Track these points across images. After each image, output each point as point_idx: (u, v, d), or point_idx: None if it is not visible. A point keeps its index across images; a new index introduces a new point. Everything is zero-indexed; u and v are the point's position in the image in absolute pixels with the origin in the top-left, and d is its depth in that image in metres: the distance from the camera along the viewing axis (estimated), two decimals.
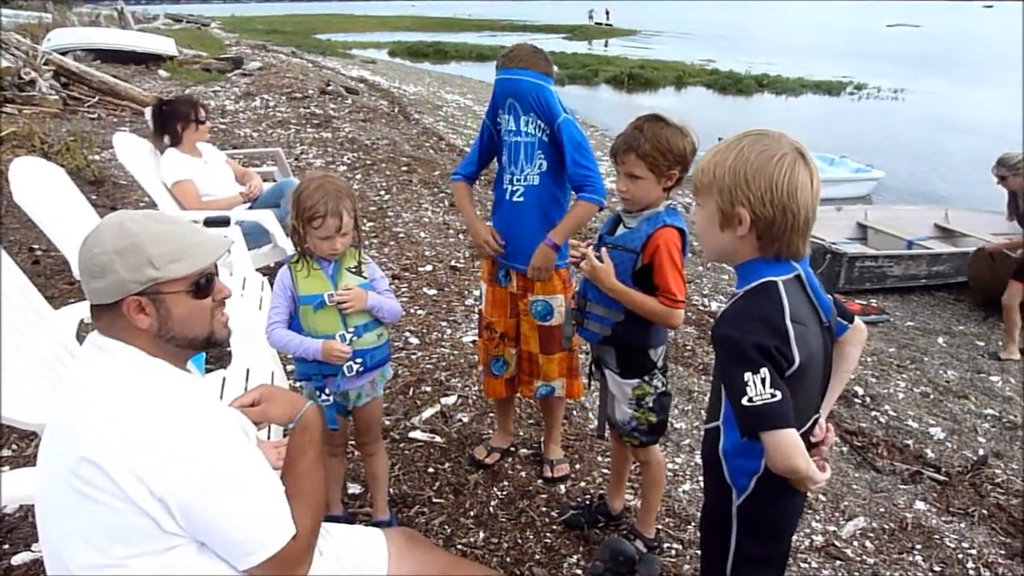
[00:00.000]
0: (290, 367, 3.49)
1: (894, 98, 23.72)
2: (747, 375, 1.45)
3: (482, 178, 3.44)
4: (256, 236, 4.53)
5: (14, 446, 3.22)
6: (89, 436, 1.35)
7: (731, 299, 1.63)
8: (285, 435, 1.73)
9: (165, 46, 16.16)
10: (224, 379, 2.94)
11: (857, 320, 1.78)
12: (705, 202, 1.60)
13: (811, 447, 1.69)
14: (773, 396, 1.44)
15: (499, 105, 2.87)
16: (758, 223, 1.53)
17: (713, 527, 1.79)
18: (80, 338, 2.99)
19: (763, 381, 1.44)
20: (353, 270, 2.43)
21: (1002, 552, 3.21)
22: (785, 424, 1.45)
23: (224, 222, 4.37)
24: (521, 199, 2.87)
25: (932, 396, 4.96)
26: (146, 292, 1.46)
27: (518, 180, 2.86)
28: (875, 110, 21.53)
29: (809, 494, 3.37)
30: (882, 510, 3.39)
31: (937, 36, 61.14)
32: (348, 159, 8.90)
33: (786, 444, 1.45)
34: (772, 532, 1.75)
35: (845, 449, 3.94)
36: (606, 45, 44.16)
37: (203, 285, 1.54)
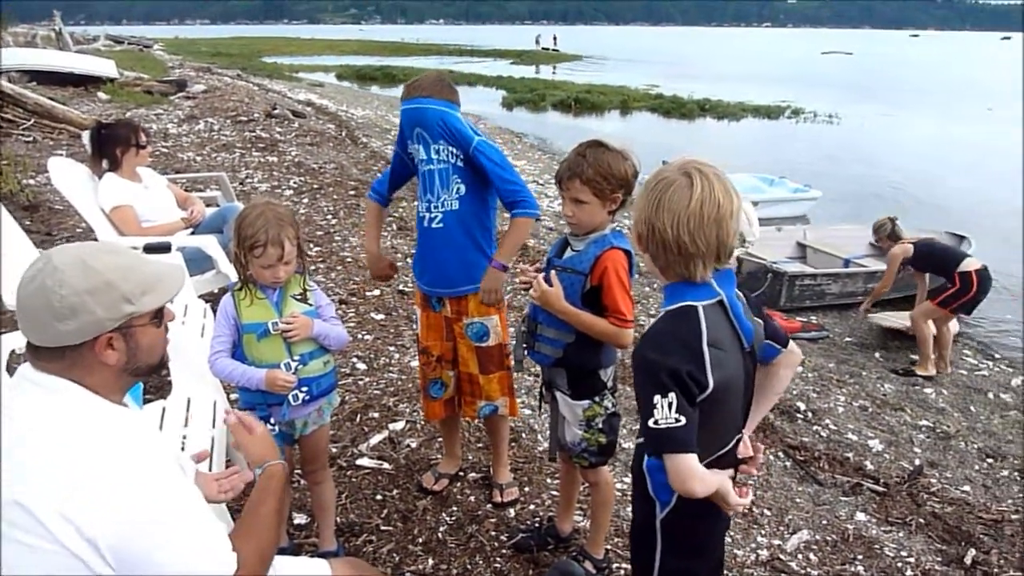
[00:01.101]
0: (234, 396, 3.43)
1: (829, 122, 24.53)
2: (656, 397, 1.50)
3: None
4: (198, 262, 4.45)
5: None
6: (16, 477, 1.31)
7: (655, 320, 1.68)
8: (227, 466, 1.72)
9: (105, 68, 15.85)
10: (164, 409, 2.87)
11: (792, 344, 1.83)
12: None
13: (738, 463, 1.74)
14: (677, 421, 1.49)
15: (407, 135, 2.86)
16: (641, 241, 1.63)
17: (639, 542, 1.83)
18: (10, 370, 2.89)
19: (670, 405, 1.49)
20: (298, 297, 2.40)
21: (939, 559, 3.31)
22: (684, 449, 1.51)
23: (165, 248, 4.28)
24: (440, 225, 2.86)
25: (870, 409, 5.11)
26: (119, 327, 1.45)
27: (436, 207, 2.85)
28: (811, 133, 22.24)
29: (754, 509, 3.44)
30: (825, 522, 3.47)
31: (868, 63, 63.61)
32: (294, 183, 8.82)
33: (683, 468, 1.51)
34: (696, 547, 1.79)
35: (788, 464, 4.03)
36: (554, 71, 44.76)
37: (161, 312, 1.55)
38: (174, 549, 1.37)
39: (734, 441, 1.72)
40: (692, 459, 1.51)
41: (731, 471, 1.70)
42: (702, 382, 1.53)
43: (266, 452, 1.80)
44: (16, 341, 3.07)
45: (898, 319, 6.58)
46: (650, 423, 1.51)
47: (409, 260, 6.23)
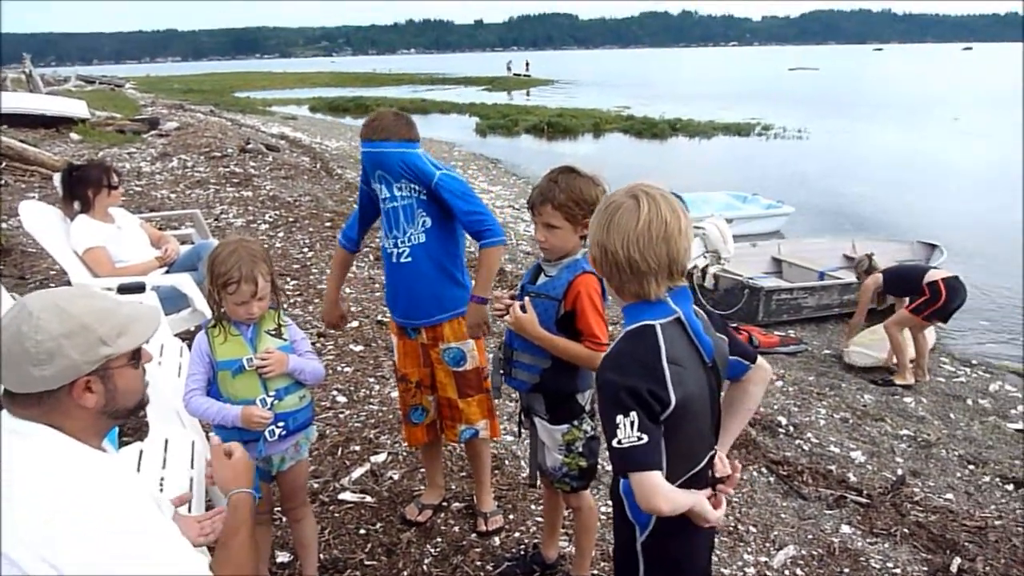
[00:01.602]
0: (211, 434, 3.39)
1: (798, 137, 24.94)
2: (619, 418, 1.52)
3: None
4: (174, 300, 4.41)
5: None
6: (4, 531, 1.29)
7: (614, 341, 1.70)
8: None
9: (76, 108, 15.77)
10: (141, 451, 2.83)
11: (760, 360, 1.85)
12: None
13: (715, 482, 1.74)
14: (640, 439, 1.50)
15: (370, 175, 2.90)
16: (595, 263, 1.68)
17: (622, 566, 1.83)
18: None
19: (631, 424, 1.51)
20: (272, 332, 2.39)
21: (924, 569, 3.32)
22: (649, 467, 1.52)
23: (139, 288, 4.25)
24: (409, 259, 2.87)
25: (851, 421, 5.15)
26: (96, 370, 1.45)
27: (402, 242, 2.87)
28: (782, 149, 22.59)
29: (739, 526, 3.44)
30: (810, 537, 3.47)
31: (834, 78, 64.82)
32: (270, 217, 8.79)
33: (648, 486, 1.52)
34: (679, 567, 1.79)
35: (772, 479, 4.04)
36: (528, 95, 45.22)
37: (139, 353, 1.55)
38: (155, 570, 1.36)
39: (706, 459, 1.72)
40: (656, 476, 1.53)
41: (708, 491, 1.71)
42: (664, 399, 1.54)
43: (236, 479, 1.77)
44: None
45: (876, 352, 6.59)
46: (613, 443, 1.52)
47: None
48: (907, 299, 6.38)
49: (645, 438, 1.50)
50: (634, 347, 1.60)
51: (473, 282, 2.89)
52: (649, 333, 1.59)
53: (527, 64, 67.95)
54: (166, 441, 2.91)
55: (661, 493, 1.53)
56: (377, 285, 6.44)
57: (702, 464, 1.71)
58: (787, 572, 3.17)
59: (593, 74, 75.98)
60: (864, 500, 3.89)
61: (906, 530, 3.64)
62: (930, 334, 6.70)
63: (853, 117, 30.51)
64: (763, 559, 3.24)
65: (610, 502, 3.43)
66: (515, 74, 63.88)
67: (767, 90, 47.57)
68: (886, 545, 3.50)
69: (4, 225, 7.50)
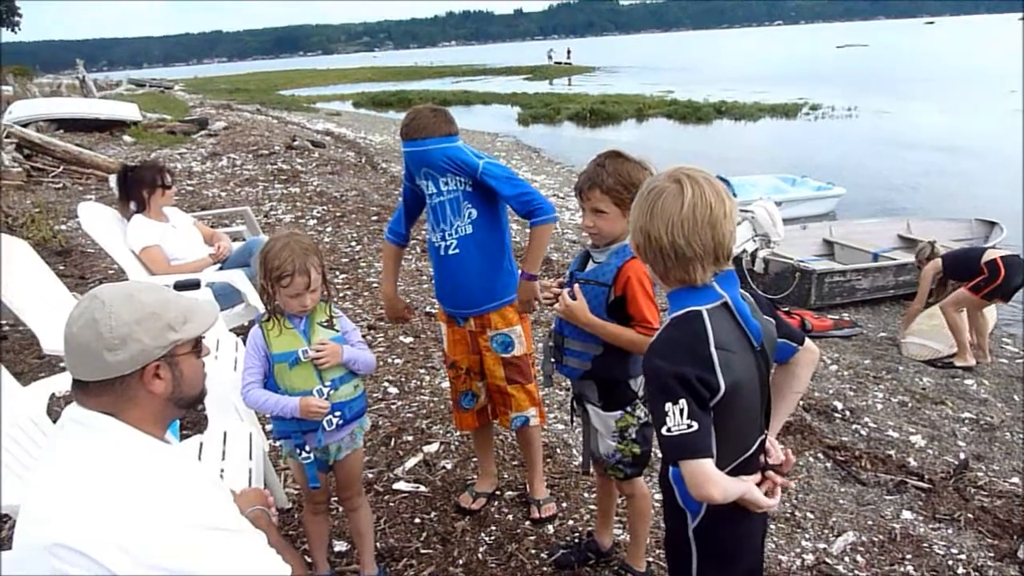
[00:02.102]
0: (268, 426, 3.46)
1: (848, 116, 24.31)
2: (668, 405, 1.50)
3: None
4: (228, 296, 4.51)
5: None
6: (66, 519, 1.33)
7: (661, 328, 1.67)
8: None
9: (128, 112, 16.21)
10: (201, 444, 2.91)
11: (808, 342, 1.81)
12: None
13: (767, 469, 1.72)
14: (690, 427, 1.48)
15: (414, 174, 2.92)
16: (639, 250, 1.65)
17: (674, 553, 1.82)
18: (51, 413, 2.95)
19: (681, 412, 1.49)
20: (325, 324, 2.43)
21: (991, 555, 3.23)
22: (700, 454, 1.50)
23: (194, 285, 4.35)
24: (457, 251, 2.89)
25: (910, 404, 5.02)
26: (165, 356, 1.52)
27: (450, 235, 2.89)
28: (831, 129, 22.05)
29: (796, 512, 3.39)
30: (870, 523, 3.40)
31: (884, 54, 62.99)
32: (318, 212, 8.92)
33: (699, 474, 1.50)
34: (731, 553, 1.76)
35: (829, 465, 3.96)
36: (569, 83, 44.96)
37: (200, 343, 1.62)
38: (234, 559, 1.41)
39: (756, 443, 1.70)
40: (708, 464, 1.51)
41: (758, 476, 1.68)
42: (713, 385, 1.52)
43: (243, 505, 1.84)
44: (56, 385, 3.14)
45: (936, 344, 6.37)
46: (663, 431, 1.50)
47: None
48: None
49: (695, 425, 1.48)
50: (681, 333, 1.58)
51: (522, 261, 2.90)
52: (696, 319, 1.57)
53: (568, 52, 67.48)
54: (224, 434, 2.98)
55: (712, 480, 1.51)
56: (425, 277, 6.49)
57: (752, 449, 1.68)
58: (847, 559, 3.12)
59: (635, 59, 75.10)
60: (926, 485, 3.79)
61: (970, 515, 3.54)
62: (990, 314, 6.48)
63: (905, 94, 29.60)
64: (822, 546, 3.18)
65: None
66: (556, 62, 63.51)
67: (814, 69, 46.46)
68: (950, 531, 3.41)
69: (63, 227, 7.76)
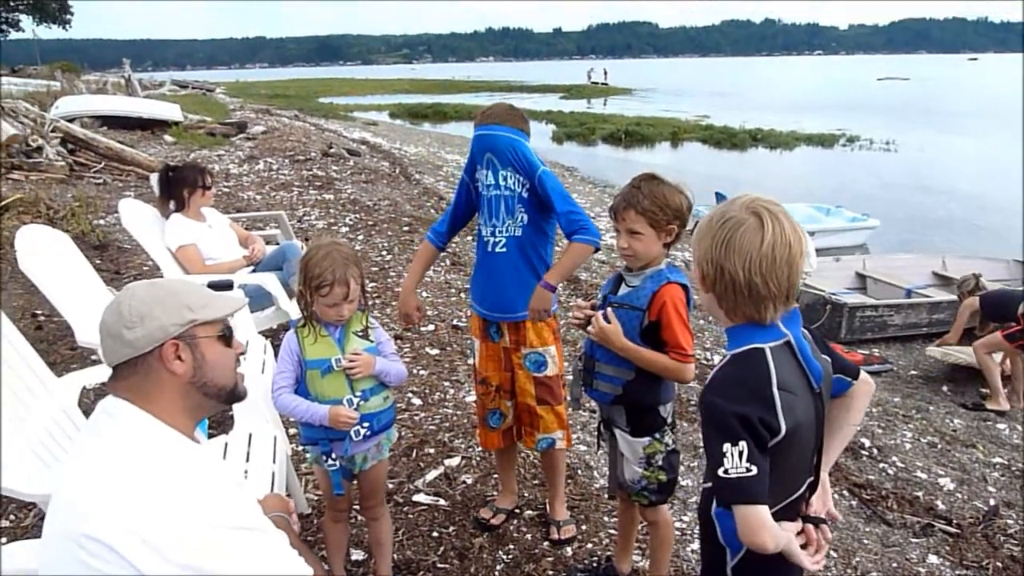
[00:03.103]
0: (293, 431, 3.48)
1: (886, 149, 24.07)
2: (726, 446, 1.45)
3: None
4: (259, 299, 4.56)
5: (12, 516, 3.18)
6: (93, 511, 1.34)
7: (720, 361, 1.63)
8: None
9: (171, 112, 16.52)
10: (226, 444, 2.93)
11: (863, 374, 1.78)
12: None
13: (810, 520, 1.67)
14: (748, 471, 1.44)
15: (477, 161, 2.94)
16: (706, 282, 1.58)
17: None
18: (82, 405, 2.99)
19: (740, 454, 1.44)
20: (360, 334, 2.44)
21: None
22: (755, 500, 1.45)
23: (228, 286, 4.40)
24: (504, 250, 2.91)
25: (939, 446, 4.92)
26: (183, 336, 1.54)
27: (500, 232, 2.91)
28: (868, 161, 21.83)
29: None
30: (895, 565, 3.33)
31: (926, 88, 62.34)
32: (350, 220, 9.00)
33: (753, 520, 1.46)
34: None
35: (854, 503, 3.89)
36: (605, 103, 45.07)
37: (228, 334, 1.64)
38: (259, 559, 1.43)
39: (805, 485, 1.66)
40: (763, 511, 1.46)
41: (799, 524, 1.64)
42: (774, 427, 1.47)
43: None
44: (88, 378, 3.19)
45: (965, 354, 6.36)
46: (720, 472, 1.46)
47: (463, 295, 6.28)
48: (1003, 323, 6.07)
49: (755, 470, 1.44)
50: (744, 372, 1.53)
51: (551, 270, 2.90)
52: (759, 357, 1.53)
53: (605, 72, 67.77)
54: (250, 435, 3.00)
55: (768, 528, 1.46)
56: (453, 290, 6.51)
57: (801, 490, 1.65)
58: None
59: (672, 83, 75.11)
60: (953, 530, 3.70)
61: (999, 564, 3.45)
62: None
63: (946, 129, 29.26)
64: None
65: (684, 517, 3.38)
66: (594, 82, 63.79)
67: (853, 100, 46.11)
68: None
69: (102, 222, 7.91)
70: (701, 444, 4.20)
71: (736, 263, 1.50)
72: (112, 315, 1.52)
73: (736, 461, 1.44)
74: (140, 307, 1.50)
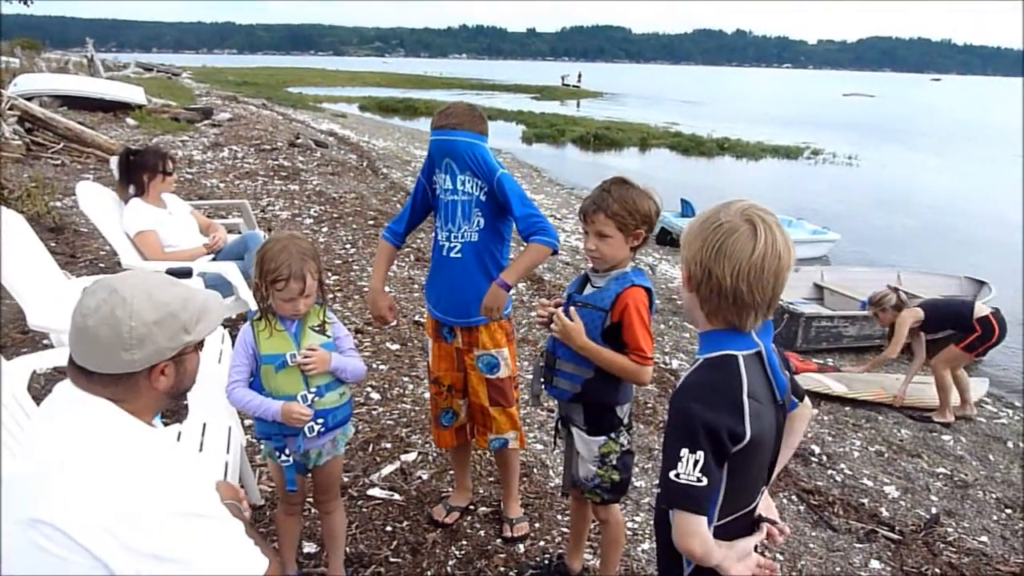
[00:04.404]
0: (248, 422, 3.45)
1: (848, 164, 24.55)
2: (684, 451, 1.46)
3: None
4: (219, 288, 4.49)
5: None
6: (51, 498, 1.33)
7: (692, 365, 1.63)
8: None
9: (134, 95, 16.17)
10: (180, 433, 2.90)
11: (806, 399, 1.82)
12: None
13: (760, 520, 1.69)
14: (699, 480, 1.45)
15: (436, 164, 2.91)
16: (692, 284, 1.57)
17: None
18: (31, 390, 2.93)
19: (695, 464, 1.45)
20: (317, 329, 2.42)
21: None
22: (698, 510, 1.47)
23: (187, 273, 4.34)
24: (459, 255, 2.90)
25: (886, 455, 5.05)
26: (175, 356, 1.55)
27: (455, 237, 2.89)
28: (830, 175, 22.24)
29: (766, 552, 3.39)
30: (838, 569, 3.41)
31: (890, 105, 63.73)
32: (315, 212, 8.92)
33: (689, 526, 1.48)
34: None
35: (802, 508, 3.98)
36: (578, 106, 45.27)
37: (203, 340, 1.64)
38: (214, 551, 1.42)
39: (757, 499, 1.68)
40: (701, 523, 1.48)
41: (752, 540, 1.65)
42: (739, 434, 1.48)
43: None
44: (39, 362, 3.12)
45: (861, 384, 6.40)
46: (671, 474, 1.47)
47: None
48: (953, 336, 6.15)
49: (704, 481, 1.45)
50: (717, 378, 1.54)
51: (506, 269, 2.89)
52: (732, 364, 1.54)
53: (580, 76, 68.12)
54: (204, 425, 2.97)
55: (700, 536, 1.48)
56: (416, 285, 6.50)
57: (752, 504, 1.66)
58: None
59: (643, 89, 75.72)
60: (896, 536, 3.81)
61: (938, 570, 3.56)
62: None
63: (908, 147, 29.96)
64: None
65: (636, 517, 3.43)
66: (566, 84, 64.04)
67: (820, 114, 46.94)
68: None
69: (59, 204, 7.72)
70: (656, 447, 4.26)
71: (725, 269, 1.49)
72: (109, 331, 1.46)
73: (689, 468, 1.45)
74: (141, 330, 1.47)
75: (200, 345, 1.64)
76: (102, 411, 1.48)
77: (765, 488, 1.73)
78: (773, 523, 1.72)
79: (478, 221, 2.86)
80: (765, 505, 1.75)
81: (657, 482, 3.83)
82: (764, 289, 1.50)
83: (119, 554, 1.31)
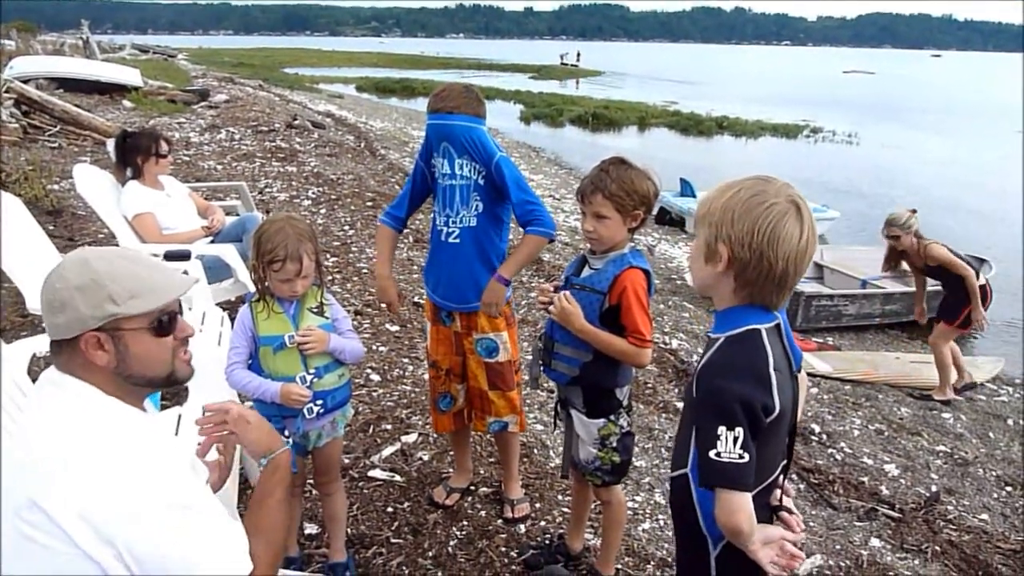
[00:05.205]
0: (249, 404, 3.44)
1: (848, 142, 24.43)
2: (722, 428, 1.46)
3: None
4: (217, 270, 4.49)
5: None
6: (33, 478, 1.31)
7: (712, 345, 1.61)
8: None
9: (130, 77, 16.07)
10: (180, 416, 2.89)
11: (803, 371, 1.82)
12: (698, 232, 1.62)
13: (779, 509, 1.67)
14: (741, 457, 1.45)
15: (433, 148, 2.87)
16: (734, 264, 1.54)
17: None
18: (31, 373, 2.92)
19: (735, 440, 1.45)
20: (315, 310, 2.41)
21: None
22: (741, 487, 1.47)
23: (185, 256, 4.32)
24: (457, 240, 2.87)
25: (886, 433, 5.06)
26: (104, 328, 1.45)
27: (453, 222, 2.86)
28: (830, 153, 22.16)
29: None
30: (838, 547, 3.43)
31: (889, 82, 63.35)
32: (313, 193, 8.89)
33: (736, 505, 1.47)
34: None
35: (802, 486, 3.99)
36: (577, 85, 45.01)
37: (165, 323, 1.52)
38: (192, 549, 1.37)
39: (780, 468, 1.68)
40: (747, 498, 1.48)
41: (778, 531, 1.62)
42: (770, 407, 1.49)
43: (270, 441, 1.74)
44: (38, 345, 3.12)
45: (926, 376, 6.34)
46: (711, 454, 1.46)
47: None
48: (943, 312, 6.04)
49: (746, 457, 1.45)
50: (745, 353, 1.54)
51: (504, 263, 2.88)
52: (756, 338, 1.54)
53: (578, 55, 67.66)
54: (203, 408, 2.96)
55: (746, 512, 1.48)
56: (416, 267, 6.48)
57: (776, 473, 1.66)
58: None
59: (641, 67, 75.23)
60: (896, 514, 3.82)
61: (938, 548, 3.57)
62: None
63: (908, 124, 29.80)
64: None
65: (637, 498, 3.43)
66: (564, 64, 63.61)
67: (819, 92, 46.70)
68: (916, 561, 3.44)
69: (56, 187, 7.69)
70: (656, 427, 4.27)
71: (778, 253, 1.50)
72: (45, 292, 1.46)
73: (729, 446, 1.45)
74: (63, 294, 1.43)
75: (162, 330, 1.52)
76: (79, 391, 1.45)
77: (786, 460, 1.71)
78: (791, 512, 1.69)
79: (476, 206, 2.83)
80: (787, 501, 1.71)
81: (658, 462, 3.85)
82: (800, 272, 1.54)
83: (93, 542, 1.28)
